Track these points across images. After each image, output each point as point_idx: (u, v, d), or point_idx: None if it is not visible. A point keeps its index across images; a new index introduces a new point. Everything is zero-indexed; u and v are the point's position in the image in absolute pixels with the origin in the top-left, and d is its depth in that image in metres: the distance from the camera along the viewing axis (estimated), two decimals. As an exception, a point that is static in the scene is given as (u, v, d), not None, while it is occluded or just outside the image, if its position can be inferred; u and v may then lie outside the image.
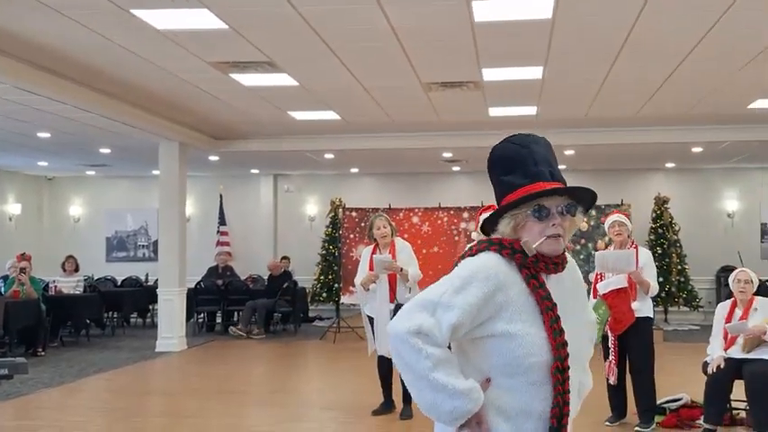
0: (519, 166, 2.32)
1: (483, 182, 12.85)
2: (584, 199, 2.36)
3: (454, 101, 9.93)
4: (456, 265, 2.35)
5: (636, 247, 6.86)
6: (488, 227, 2.36)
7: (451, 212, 13.24)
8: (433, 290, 2.25)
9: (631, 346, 6.74)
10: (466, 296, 2.18)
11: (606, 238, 7.17)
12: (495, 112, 10.73)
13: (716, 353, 6.50)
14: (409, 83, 8.92)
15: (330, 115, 10.98)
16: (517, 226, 2.29)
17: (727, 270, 13.36)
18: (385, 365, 7.29)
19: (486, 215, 7.93)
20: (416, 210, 13.37)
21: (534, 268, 2.26)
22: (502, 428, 2.20)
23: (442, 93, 9.46)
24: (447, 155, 14.24)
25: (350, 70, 8.36)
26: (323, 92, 9.52)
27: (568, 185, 2.32)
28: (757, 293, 6.77)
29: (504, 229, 2.30)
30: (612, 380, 6.78)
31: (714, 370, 6.39)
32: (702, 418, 6.51)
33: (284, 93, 9.48)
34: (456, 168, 16.29)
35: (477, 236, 7.29)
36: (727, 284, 7.00)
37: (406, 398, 7.28)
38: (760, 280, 7.03)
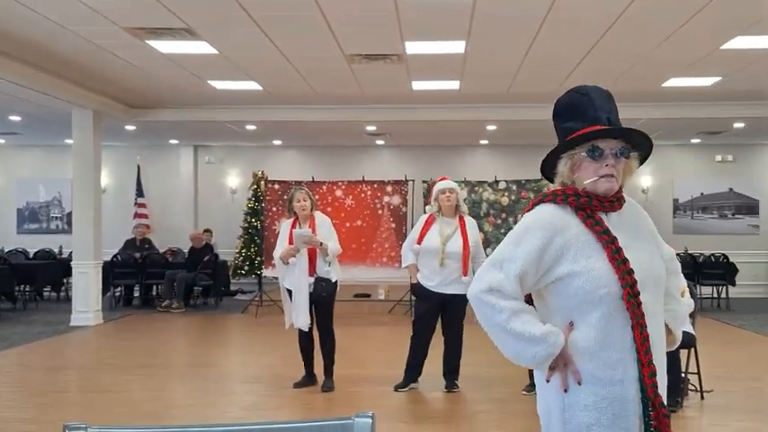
0: (579, 113, 2.47)
1: (407, 155, 12.97)
2: (640, 145, 2.51)
3: (378, 74, 9.88)
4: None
5: None
6: (548, 169, 2.53)
7: (375, 186, 13.22)
8: (499, 248, 2.46)
9: None
10: (525, 246, 2.38)
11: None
12: (418, 85, 10.73)
13: None
14: (332, 54, 8.83)
15: (251, 85, 10.80)
16: (573, 166, 2.45)
17: (641, 244, 13.74)
18: (305, 338, 7.27)
19: (442, 184, 7.86)
20: (340, 183, 13.30)
21: (590, 208, 2.43)
22: (587, 366, 2.34)
23: (366, 65, 9.40)
24: (371, 128, 14.20)
25: (271, 40, 8.22)
26: (244, 61, 9.35)
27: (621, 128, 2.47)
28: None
29: (563, 169, 2.47)
30: None
31: None
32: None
33: (203, 61, 9.26)
34: (380, 142, 16.29)
35: (429, 209, 7.31)
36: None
37: (328, 370, 7.30)
38: (672, 253, 7.23)
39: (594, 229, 2.39)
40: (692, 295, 6.82)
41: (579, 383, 2.34)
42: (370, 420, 1.54)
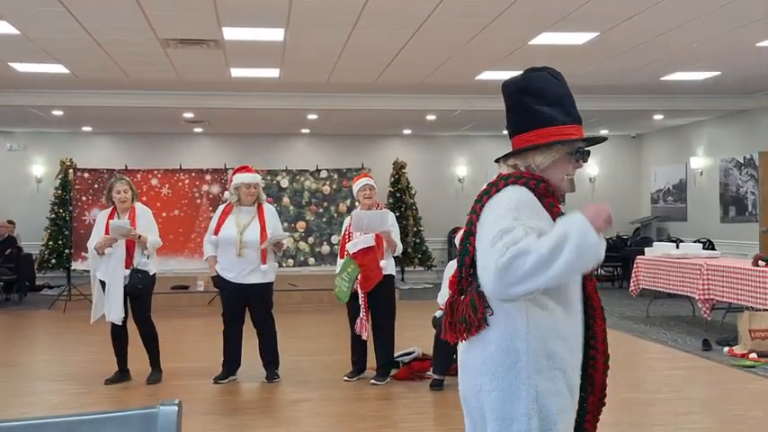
0: (560, 103, 2.42)
1: (227, 144, 12.68)
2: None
3: (194, 59, 9.62)
4: (479, 205, 2.39)
5: (382, 210, 7.17)
6: (515, 156, 2.45)
7: (193, 175, 12.88)
8: (492, 227, 2.27)
9: (377, 303, 7.00)
10: (525, 216, 2.29)
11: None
12: (237, 72, 10.55)
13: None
14: (145, 38, 8.49)
15: (57, 69, 10.19)
16: (554, 160, 2.43)
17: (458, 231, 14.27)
18: (118, 333, 6.98)
19: (245, 178, 7.59)
20: (156, 171, 12.85)
21: (553, 198, 2.44)
22: (560, 351, 2.33)
23: (182, 50, 9.11)
24: (188, 115, 13.83)
25: (79, 21, 7.79)
26: (48, 43, 8.80)
27: (600, 136, 2.61)
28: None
29: (543, 160, 2.42)
30: (365, 335, 6.99)
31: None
32: (432, 369, 6.91)
33: (4, 42, 8.64)
34: (198, 129, 15.89)
35: (228, 195, 7.16)
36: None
37: (154, 362, 7.12)
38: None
39: (555, 214, 2.41)
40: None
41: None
42: (176, 408, 1.48)
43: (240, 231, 6.90)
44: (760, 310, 8.26)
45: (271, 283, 7.16)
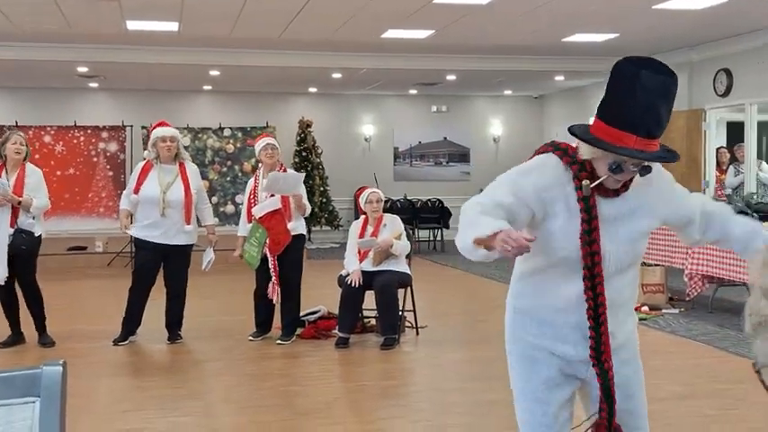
0: (627, 105, 2.28)
1: (125, 100, 12.20)
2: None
3: (88, 11, 9.19)
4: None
5: (285, 170, 7.07)
6: (577, 130, 2.42)
7: (89, 132, 12.42)
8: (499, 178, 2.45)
9: (285, 265, 6.90)
10: (522, 183, 2.37)
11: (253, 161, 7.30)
12: (133, 25, 10.14)
13: (352, 267, 6.85)
14: (35, -15, 8.06)
15: (-61, 17, 9.57)
16: (595, 157, 2.37)
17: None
18: (5, 294, 6.68)
19: (161, 131, 7.35)
20: (49, 128, 12.32)
21: (589, 175, 2.39)
22: (545, 303, 2.51)
23: (74, 0, 8.68)
24: (82, 69, 13.25)
25: (-39, -36, 7.31)
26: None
27: (648, 153, 2.31)
28: (386, 211, 7.29)
29: (585, 151, 2.39)
30: (276, 299, 6.89)
31: (355, 284, 6.72)
32: (337, 327, 6.91)
33: None
34: (94, 84, 15.28)
35: (147, 155, 6.92)
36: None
37: (40, 326, 6.85)
38: (390, 199, 7.54)
39: (579, 203, 2.37)
40: (409, 238, 7.17)
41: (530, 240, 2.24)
42: (61, 369, 1.40)
43: (163, 190, 6.71)
44: (652, 266, 8.60)
45: (192, 245, 7.02)
